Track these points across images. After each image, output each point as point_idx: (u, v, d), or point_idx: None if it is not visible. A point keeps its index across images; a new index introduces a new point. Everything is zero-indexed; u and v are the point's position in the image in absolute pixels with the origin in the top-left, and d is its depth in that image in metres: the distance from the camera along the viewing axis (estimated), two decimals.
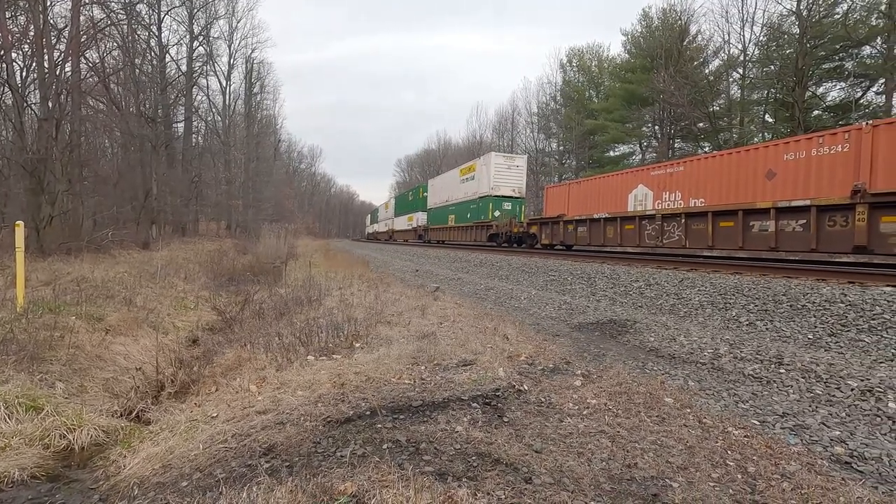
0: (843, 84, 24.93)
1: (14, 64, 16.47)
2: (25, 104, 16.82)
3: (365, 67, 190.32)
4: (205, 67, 34.53)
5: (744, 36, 28.21)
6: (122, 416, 4.29)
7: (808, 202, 8.56)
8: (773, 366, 4.26)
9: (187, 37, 32.46)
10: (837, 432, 2.97)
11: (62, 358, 5.07)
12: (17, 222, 7.15)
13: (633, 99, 35.93)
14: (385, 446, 2.64)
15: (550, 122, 47.70)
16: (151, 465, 2.90)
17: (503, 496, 2.13)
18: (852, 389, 3.59)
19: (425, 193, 34.24)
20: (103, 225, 16.94)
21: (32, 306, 6.57)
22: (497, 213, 22.18)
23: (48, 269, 10.21)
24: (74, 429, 3.58)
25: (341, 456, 2.55)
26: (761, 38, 27.31)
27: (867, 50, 23.61)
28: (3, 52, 15.05)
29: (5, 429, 3.44)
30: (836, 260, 10.93)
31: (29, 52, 17.21)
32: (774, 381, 3.96)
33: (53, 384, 4.51)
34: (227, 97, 38.95)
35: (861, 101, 24.07)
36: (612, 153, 41.88)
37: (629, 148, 41.13)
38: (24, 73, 19.25)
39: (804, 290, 6.37)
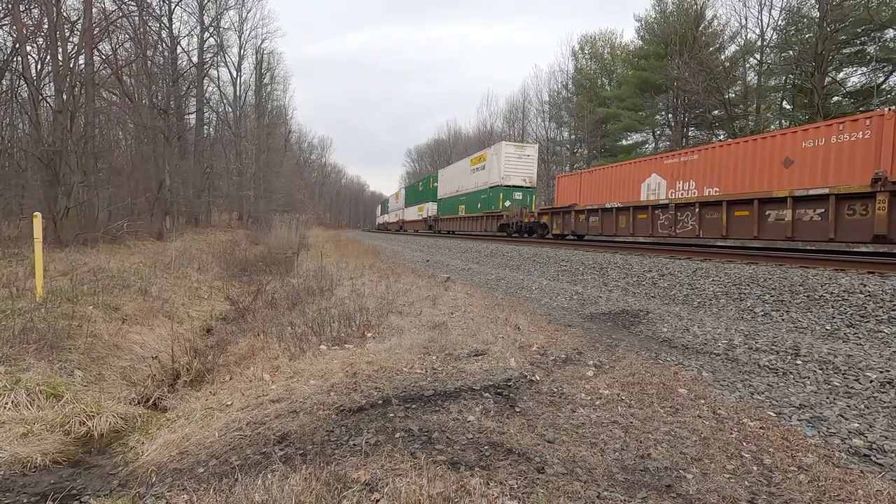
0: (864, 69, 24.24)
1: (29, 57, 16.67)
2: (41, 96, 17.03)
3: (374, 58, 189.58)
4: (215, 58, 34.52)
5: (761, 20, 27.57)
6: (139, 403, 4.37)
7: (826, 190, 8.40)
8: (789, 357, 4.20)
9: (198, 28, 32.45)
10: (856, 424, 2.93)
11: (80, 347, 5.17)
12: (35, 214, 7.26)
13: (646, 86, 35.30)
14: (398, 435, 2.66)
15: (562, 111, 47.01)
16: (169, 451, 2.95)
17: (515, 485, 2.14)
18: (871, 381, 3.53)
19: (435, 184, 34.15)
20: (118, 216, 17.14)
21: (51, 296, 6.69)
22: (508, 203, 22.06)
23: (65, 259, 10.39)
24: (94, 416, 3.66)
25: (354, 444, 2.57)
26: (780, 22, 26.66)
27: (890, 33, 22.87)
28: (18, 45, 15.23)
29: (27, 415, 3.52)
30: (855, 249, 10.72)
31: (43, 45, 17.39)
32: (791, 372, 3.91)
33: (72, 372, 4.60)
34: (238, 88, 38.97)
35: (883, 87, 23.36)
36: (624, 142, 41.28)
37: (642, 136, 40.56)
38: (38, 66, 19.51)
39: (822, 280, 6.26)
